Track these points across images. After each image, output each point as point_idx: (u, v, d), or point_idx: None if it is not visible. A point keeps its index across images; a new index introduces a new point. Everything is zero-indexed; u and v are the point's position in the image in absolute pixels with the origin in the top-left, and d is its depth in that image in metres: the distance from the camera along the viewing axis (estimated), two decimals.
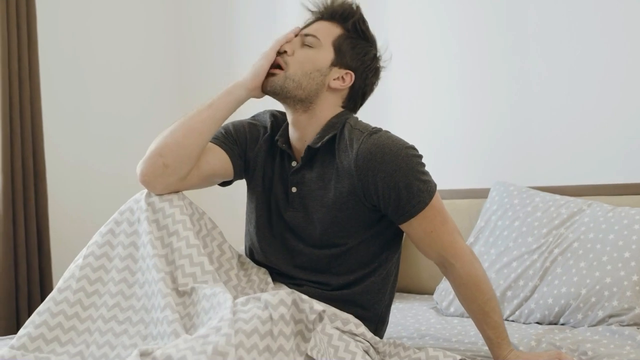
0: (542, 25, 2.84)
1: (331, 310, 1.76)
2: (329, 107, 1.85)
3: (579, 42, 2.75)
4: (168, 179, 1.75)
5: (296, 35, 1.87)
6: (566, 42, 2.78)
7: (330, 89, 1.83)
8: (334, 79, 1.83)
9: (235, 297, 1.70)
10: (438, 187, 2.82)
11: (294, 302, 1.44)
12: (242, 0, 3.78)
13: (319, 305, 1.45)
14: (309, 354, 1.51)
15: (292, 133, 1.88)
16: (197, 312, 1.60)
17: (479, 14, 3.01)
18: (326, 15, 1.86)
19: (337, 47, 1.83)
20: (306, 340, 1.45)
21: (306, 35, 1.84)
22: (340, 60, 1.83)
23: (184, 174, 1.77)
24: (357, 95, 1.89)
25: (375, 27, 3.26)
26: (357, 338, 1.72)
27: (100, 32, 3.68)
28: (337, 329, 1.71)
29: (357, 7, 1.87)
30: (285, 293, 1.44)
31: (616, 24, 2.67)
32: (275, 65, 1.83)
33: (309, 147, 1.81)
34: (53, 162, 3.36)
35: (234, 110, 1.85)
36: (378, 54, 1.90)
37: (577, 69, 2.75)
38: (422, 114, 3.16)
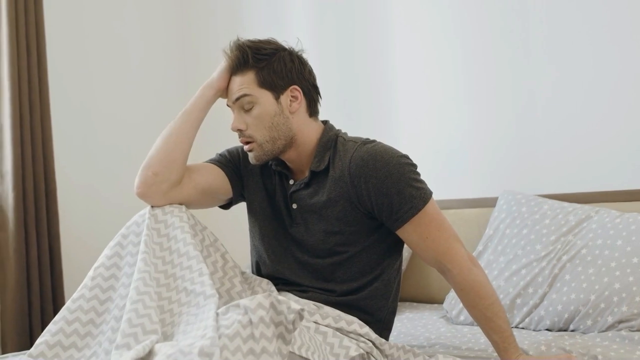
0: (549, 34, 2.84)
1: (336, 312, 1.79)
2: (305, 127, 1.90)
3: (585, 51, 2.75)
4: (160, 186, 1.82)
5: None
6: (573, 51, 2.78)
7: (294, 113, 1.87)
8: (290, 104, 1.86)
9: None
10: (446, 197, 2.88)
11: (272, 305, 1.46)
12: (248, 22, 3.83)
13: (296, 305, 1.47)
14: (297, 353, 1.54)
15: (286, 161, 1.94)
16: (180, 312, 1.63)
17: (485, 24, 3.02)
18: (233, 71, 1.88)
19: (265, 83, 1.84)
20: (287, 342, 1.47)
21: (237, 100, 1.86)
22: (277, 89, 1.85)
23: (175, 180, 1.84)
24: (311, 92, 1.92)
25: (381, 37, 3.30)
26: (361, 338, 1.74)
27: (110, 62, 3.74)
28: (341, 329, 1.74)
29: (241, 44, 1.87)
30: (262, 297, 1.47)
31: (626, 32, 2.67)
32: (245, 142, 1.89)
33: (312, 172, 1.87)
34: (63, 183, 3.39)
35: (206, 110, 1.93)
36: (288, 50, 1.90)
37: (584, 77, 2.76)
38: (429, 125, 3.17)
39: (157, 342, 1.52)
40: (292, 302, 1.48)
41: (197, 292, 1.63)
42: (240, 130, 1.87)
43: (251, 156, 1.88)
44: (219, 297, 1.71)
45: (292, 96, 1.86)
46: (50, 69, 3.33)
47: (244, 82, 1.84)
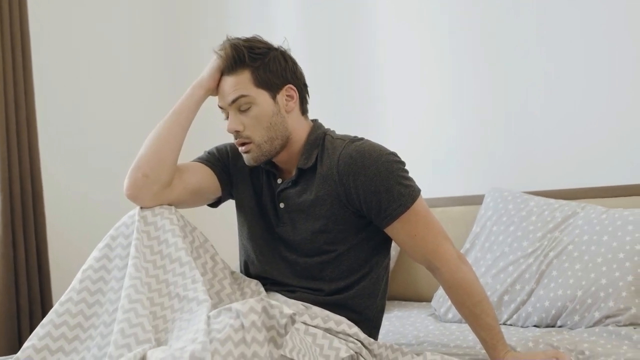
0: (545, 31, 2.84)
1: (324, 312, 1.78)
2: (298, 125, 1.88)
3: (574, 50, 2.76)
4: (151, 188, 1.79)
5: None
6: (562, 50, 2.78)
7: (290, 112, 1.85)
8: (286, 104, 1.85)
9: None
10: (434, 195, 2.88)
11: (264, 309, 1.45)
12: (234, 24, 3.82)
13: (288, 309, 1.47)
14: (289, 356, 1.54)
15: (277, 161, 1.92)
16: (173, 318, 1.62)
17: (479, 21, 3.01)
18: (226, 71, 1.85)
19: (261, 83, 1.81)
20: (278, 346, 1.46)
21: (234, 102, 1.82)
22: (273, 88, 1.83)
23: (165, 181, 1.81)
24: (303, 91, 1.90)
25: (371, 33, 3.30)
26: (350, 339, 1.74)
27: (96, 62, 3.73)
28: (330, 329, 1.74)
29: (235, 43, 1.83)
30: (254, 301, 1.46)
31: (622, 29, 2.66)
32: (241, 144, 1.85)
33: (299, 170, 1.85)
34: (50, 185, 3.39)
35: (196, 109, 1.88)
36: (278, 49, 1.87)
37: (570, 76, 2.76)
38: (416, 123, 3.17)
39: (149, 349, 1.50)
40: (284, 306, 1.47)
41: (190, 298, 1.61)
42: (237, 132, 1.84)
43: (248, 157, 1.86)
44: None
45: (287, 95, 1.84)
46: (36, 69, 3.33)
47: (239, 83, 1.81)
